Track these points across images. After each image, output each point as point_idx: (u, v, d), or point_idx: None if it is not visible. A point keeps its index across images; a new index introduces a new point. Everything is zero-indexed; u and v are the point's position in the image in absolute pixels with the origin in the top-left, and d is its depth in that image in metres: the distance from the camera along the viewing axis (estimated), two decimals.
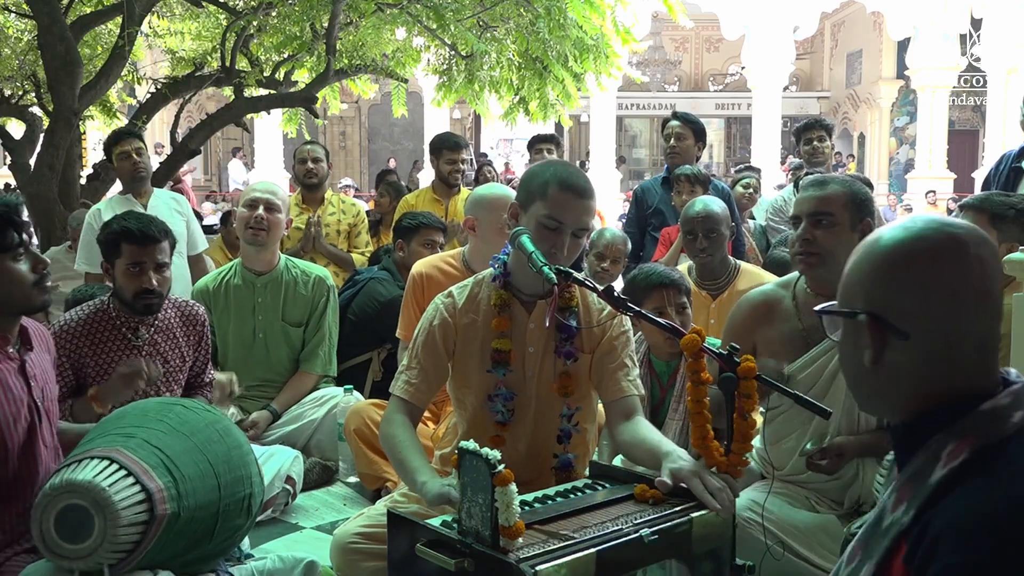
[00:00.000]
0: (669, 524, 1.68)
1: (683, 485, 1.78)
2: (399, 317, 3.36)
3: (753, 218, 5.45)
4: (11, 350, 2.01)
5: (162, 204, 4.46)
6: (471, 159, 5.35)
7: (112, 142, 4.43)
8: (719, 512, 1.73)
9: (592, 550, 1.56)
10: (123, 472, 1.73)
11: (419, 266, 3.32)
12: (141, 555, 1.73)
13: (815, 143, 5.20)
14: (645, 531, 1.63)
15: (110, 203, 4.47)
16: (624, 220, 4.80)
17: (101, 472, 1.72)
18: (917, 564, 1.06)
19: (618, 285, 4.28)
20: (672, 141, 4.60)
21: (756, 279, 3.34)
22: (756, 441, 2.51)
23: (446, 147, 4.97)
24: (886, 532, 1.13)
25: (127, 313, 2.80)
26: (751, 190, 5.39)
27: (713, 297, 3.41)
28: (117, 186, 4.73)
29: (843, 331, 1.23)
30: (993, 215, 2.65)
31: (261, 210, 3.54)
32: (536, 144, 5.40)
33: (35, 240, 4.06)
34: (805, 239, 2.35)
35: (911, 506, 1.12)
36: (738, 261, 3.54)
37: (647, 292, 2.85)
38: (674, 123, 4.66)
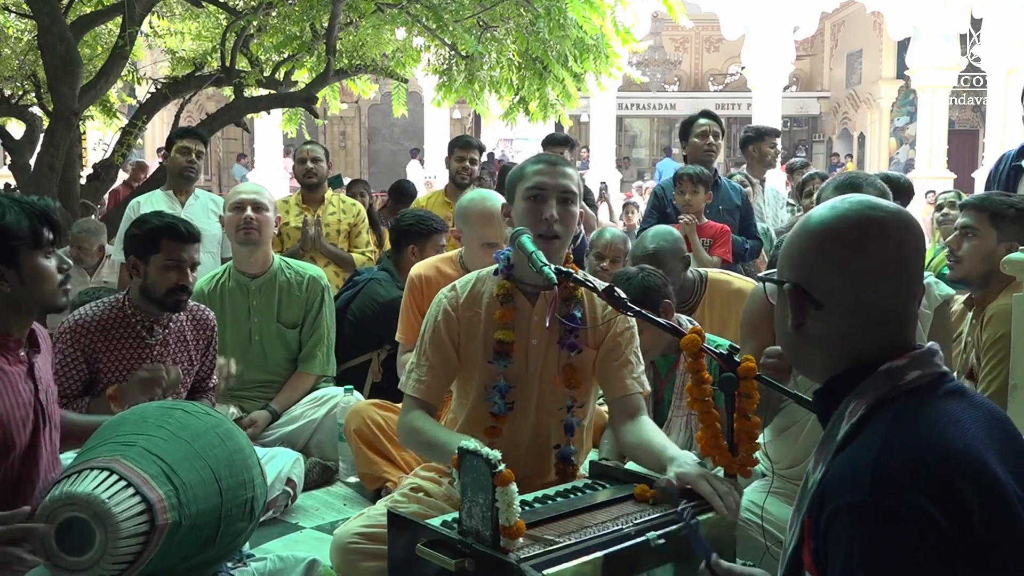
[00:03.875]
0: (675, 527, 1.68)
1: (687, 487, 1.78)
2: (399, 320, 3.36)
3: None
4: (21, 353, 2.02)
5: (199, 204, 4.52)
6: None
7: (178, 135, 4.55)
8: (726, 516, 1.73)
9: (599, 553, 1.56)
10: (123, 483, 1.72)
11: (418, 268, 3.33)
12: (143, 565, 1.73)
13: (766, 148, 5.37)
14: (652, 534, 1.63)
15: (150, 197, 4.55)
16: (642, 220, 4.72)
17: (101, 484, 1.71)
18: (814, 514, 1.15)
19: None
20: (710, 139, 4.60)
21: (727, 286, 3.32)
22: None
23: (457, 145, 4.99)
24: (808, 492, 1.22)
25: (143, 312, 2.82)
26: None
27: (688, 315, 3.38)
28: (117, 186, 4.73)
29: (777, 297, 1.32)
30: (993, 214, 2.65)
31: (249, 211, 3.54)
32: (548, 147, 5.33)
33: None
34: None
35: (823, 464, 1.21)
36: (705, 272, 3.46)
37: None
38: (707, 121, 4.66)
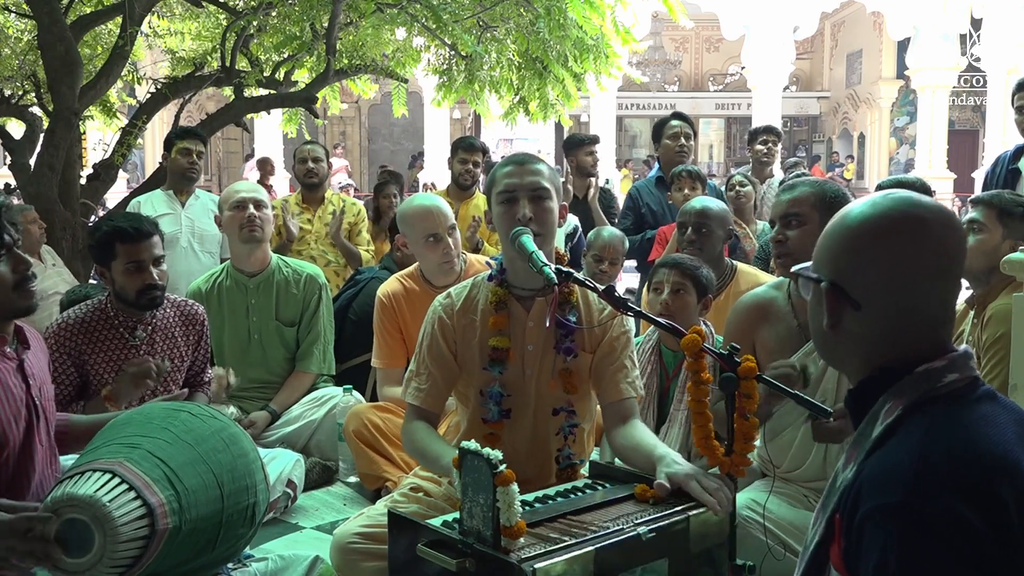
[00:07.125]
0: (666, 523, 1.69)
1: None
2: (374, 344, 3.35)
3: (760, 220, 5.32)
4: (8, 349, 2.01)
5: (200, 204, 4.53)
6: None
7: (177, 135, 4.55)
8: (717, 512, 1.74)
9: (590, 548, 1.57)
10: (125, 486, 1.72)
11: (384, 288, 3.36)
12: (141, 569, 1.72)
13: (770, 145, 5.50)
14: (643, 529, 1.64)
15: (151, 198, 4.54)
16: (618, 222, 4.77)
17: (103, 486, 1.70)
18: (847, 514, 1.13)
19: (619, 286, 4.27)
20: (681, 140, 4.75)
21: (754, 280, 3.31)
22: (757, 440, 2.51)
23: (461, 147, 4.99)
24: (836, 490, 1.20)
25: (125, 312, 2.82)
26: (736, 190, 4.79)
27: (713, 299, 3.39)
28: (117, 186, 4.72)
29: (811, 293, 1.29)
30: (1001, 211, 2.67)
31: (252, 208, 3.56)
32: (573, 150, 5.28)
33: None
34: (777, 240, 2.45)
35: (854, 463, 1.18)
36: (734, 263, 3.52)
37: (654, 271, 3.02)
38: (679, 123, 4.80)
